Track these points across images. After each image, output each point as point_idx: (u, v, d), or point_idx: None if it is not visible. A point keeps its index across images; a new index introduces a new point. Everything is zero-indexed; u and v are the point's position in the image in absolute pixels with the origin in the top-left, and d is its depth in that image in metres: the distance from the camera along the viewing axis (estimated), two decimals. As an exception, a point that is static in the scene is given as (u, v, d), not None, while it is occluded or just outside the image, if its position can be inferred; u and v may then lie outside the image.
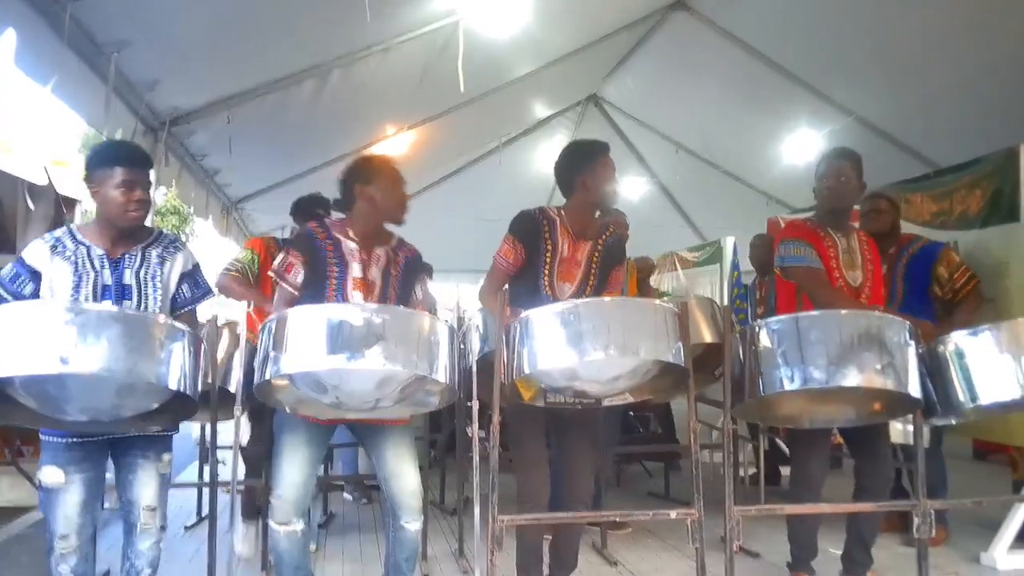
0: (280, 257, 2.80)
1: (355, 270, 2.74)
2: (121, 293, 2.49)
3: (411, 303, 2.84)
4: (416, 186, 8.45)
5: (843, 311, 2.74)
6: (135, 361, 2.18)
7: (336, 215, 2.99)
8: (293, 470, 2.68)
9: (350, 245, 2.77)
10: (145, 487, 2.53)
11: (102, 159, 2.49)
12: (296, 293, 2.74)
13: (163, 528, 2.59)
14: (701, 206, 9.29)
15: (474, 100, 6.25)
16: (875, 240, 3.98)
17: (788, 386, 2.61)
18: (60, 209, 4.90)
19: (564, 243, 2.91)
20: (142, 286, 2.53)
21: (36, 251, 2.46)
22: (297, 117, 5.24)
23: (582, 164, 2.92)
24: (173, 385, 2.26)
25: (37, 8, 2.88)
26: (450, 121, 6.61)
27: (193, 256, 2.70)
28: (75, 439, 2.45)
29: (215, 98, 4.70)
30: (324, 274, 2.72)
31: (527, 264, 2.90)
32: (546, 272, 2.89)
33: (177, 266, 2.63)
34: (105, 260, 2.50)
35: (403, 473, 2.77)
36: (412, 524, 2.79)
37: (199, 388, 2.40)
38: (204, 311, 2.79)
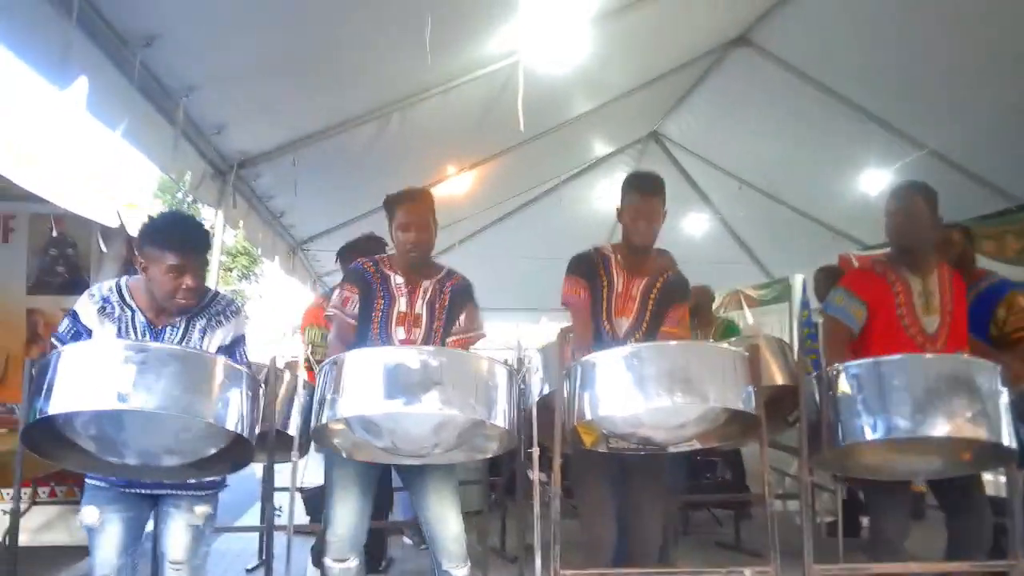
0: (336, 293, 2.83)
1: (401, 304, 2.76)
2: None
3: (452, 332, 2.82)
4: (476, 225, 8.50)
5: (928, 356, 2.56)
6: (192, 400, 2.17)
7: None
8: (346, 507, 2.70)
9: (397, 280, 2.80)
10: (173, 538, 2.45)
11: (154, 239, 2.36)
12: (354, 323, 2.76)
13: None
14: (766, 243, 9.06)
15: (534, 139, 6.24)
16: None
17: (870, 436, 2.44)
18: (132, 250, 5.03)
19: (619, 279, 2.88)
20: None
21: (86, 310, 2.42)
22: (359, 159, 5.31)
23: (622, 197, 2.92)
24: (231, 426, 2.24)
25: (108, 54, 2.95)
26: (510, 160, 6.62)
27: (242, 327, 2.60)
28: (121, 489, 2.43)
29: (281, 141, 4.80)
30: (371, 307, 2.75)
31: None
32: (604, 308, 2.85)
33: (217, 339, 2.52)
34: (147, 329, 2.44)
35: (445, 517, 2.73)
36: (458, 570, 2.73)
37: (256, 431, 2.38)
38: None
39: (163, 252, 2.33)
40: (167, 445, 2.35)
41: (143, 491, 2.47)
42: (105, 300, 2.43)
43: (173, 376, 2.14)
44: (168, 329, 2.48)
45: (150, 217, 2.51)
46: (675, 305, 2.95)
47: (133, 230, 4.56)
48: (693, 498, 5.49)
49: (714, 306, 6.39)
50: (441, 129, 5.47)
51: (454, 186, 6.89)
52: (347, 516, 2.69)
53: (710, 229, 8.68)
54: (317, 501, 3.61)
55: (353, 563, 2.70)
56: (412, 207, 2.78)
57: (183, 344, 2.46)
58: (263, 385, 2.47)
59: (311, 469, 3.78)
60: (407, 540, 5.12)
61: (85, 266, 5.13)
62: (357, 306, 2.76)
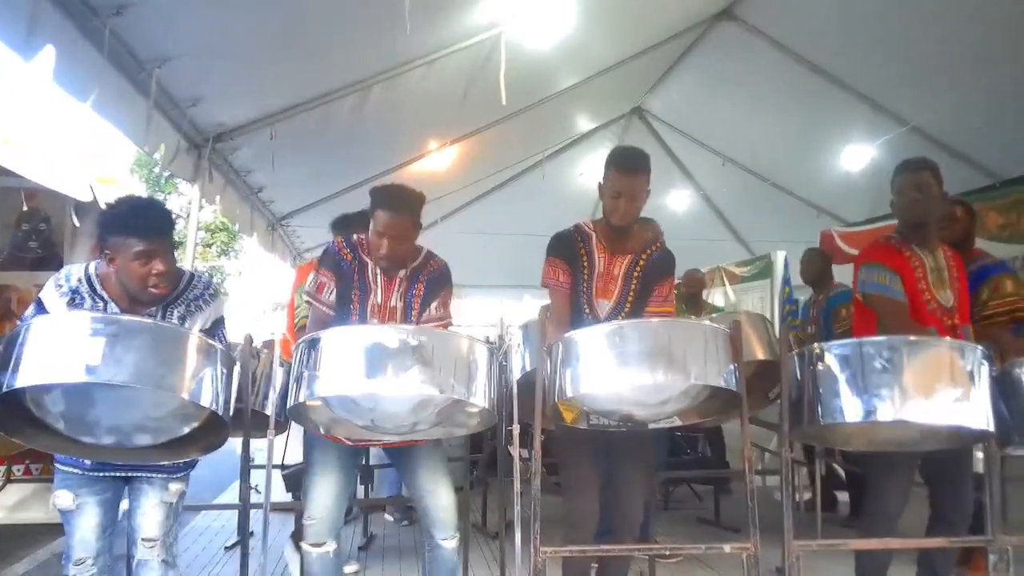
0: (311, 277, 2.76)
1: (377, 296, 2.71)
2: None
3: (426, 318, 2.74)
4: (459, 201, 8.44)
5: (911, 337, 2.55)
6: (164, 374, 2.12)
7: None
8: (324, 492, 2.68)
9: (372, 267, 2.72)
10: (146, 516, 2.40)
11: (116, 227, 2.27)
12: (331, 313, 2.69)
13: (166, 562, 2.41)
14: (749, 219, 9.07)
15: (517, 113, 6.18)
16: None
17: (849, 418, 2.42)
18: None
19: (600, 258, 2.82)
20: None
21: (53, 302, 2.31)
22: (340, 133, 5.23)
23: (604, 173, 2.81)
24: (206, 403, 2.19)
25: (77, 23, 2.87)
26: (493, 135, 6.55)
27: (220, 308, 2.57)
28: (91, 472, 2.38)
29: (258, 114, 4.70)
30: (348, 297, 2.69)
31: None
32: (584, 289, 2.80)
33: (196, 325, 2.46)
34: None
35: (436, 490, 2.74)
36: (448, 541, 2.75)
37: (231, 409, 2.34)
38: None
39: (127, 239, 2.24)
40: (139, 423, 2.29)
41: (116, 473, 2.42)
42: (74, 292, 2.34)
43: (144, 349, 2.07)
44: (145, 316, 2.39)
45: (108, 206, 2.37)
46: (661, 281, 2.87)
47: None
48: (673, 474, 5.52)
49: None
50: (423, 103, 5.38)
51: (436, 161, 6.82)
52: (324, 500, 2.67)
53: (693, 205, 8.67)
54: (297, 479, 3.59)
55: (330, 547, 2.68)
56: (393, 218, 2.61)
57: None
58: (238, 363, 2.42)
59: (294, 447, 3.77)
60: (388, 517, 5.12)
61: (59, 241, 5.03)
62: (333, 293, 2.69)
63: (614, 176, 2.75)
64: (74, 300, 2.33)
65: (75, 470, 2.38)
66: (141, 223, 2.27)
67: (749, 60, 6.05)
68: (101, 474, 2.40)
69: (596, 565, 3.04)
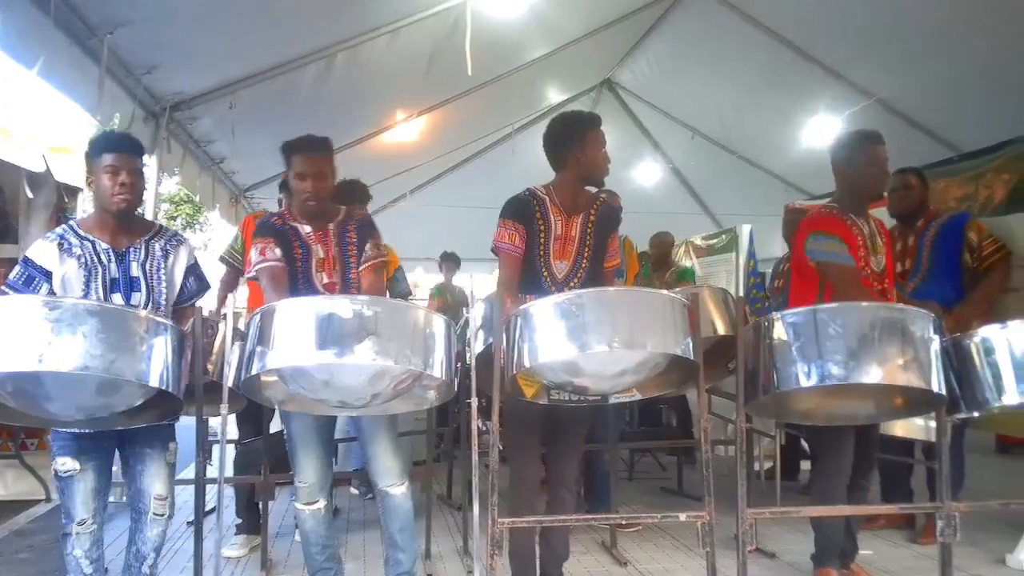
0: (253, 250, 2.82)
1: (318, 252, 2.84)
2: (130, 286, 2.53)
3: (364, 260, 2.89)
4: (428, 174, 8.36)
5: (864, 303, 2.58)
6: (113, 358, 2.10)
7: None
8: (310, 455, 2.81)
9: (305, 228, 2.85)
10: (155, 477, 2.58)
11: (93, 149, 2.54)
12: (283, 264, 2.77)
13: (170, 517, 2.65)
14: (717, 192, 9.10)
15: (486, 85, 6.11)
16: (904, 217, 3.88)
17: (804, 383, 2.46)
18: (62, 198, 4.83)
19: (557, 221, 2.83)
20: (148, 278, 2.57)
21: (43, 251, 2.48)
22: (304, 102, 5.13)
23: (573, 137, 2.84)
24: (155, 382, 2.19)
25: (21, -13, 2.78)
26: (462, 106, 6.48)
27: (193, 251, 2.80)
28: (84, 431, 2.46)
29: (218, 82, 4.60)
30: (291, 257, 2.81)
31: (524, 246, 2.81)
32: (541, 252, 2.80)
33: (181, 260, 2.69)
34: (111, 253, 2.54)
35: (377, 438, 2.85)
36: (395, 488, 2.87)
37: (183, 384, 2.31)
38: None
39: (100, 156, 2.49)
40: (95, 399, 2.28)
41: (108, 431, 2.50)
42: (61, 237, 2.51)
43: (92, 334, 2.06)
44: (131, 249, 2.57)
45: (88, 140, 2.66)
46: (611, 234, 2.93)
47: (61, 175, 4.37)
48: (635, 444, 5.59)
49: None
50: (389, 72, 5.31)
51: (404, 132, 6.74)
52: (313, 463, 2.82)
53: (662, 178, 8.67)
54: (251, 456, 3.57)
55: (321, 504, 2.83)
56: (308, 158, 2.79)
57: (148, 263, 2.57)
58: (189, 336, 2.39)
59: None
60: (354, 490, 5.11)
61: (13, 212, 4.91)
62: (278, 249, 2.78)
63: (594, 132, 2.87)
64: (63, 245, 2.48)
65: (70, 435, 2.46)
66: (112, 142, 2.56)
67: (718, 33, 6.04)
68: (94, 440, 2.48)
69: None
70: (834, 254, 2.95)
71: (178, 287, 2.66)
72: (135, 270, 2.54)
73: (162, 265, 2.61)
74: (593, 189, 2.97)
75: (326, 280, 2.82)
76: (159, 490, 2.59)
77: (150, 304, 2.53)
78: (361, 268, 2.88)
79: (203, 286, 2.79)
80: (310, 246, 2.83)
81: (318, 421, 2.80)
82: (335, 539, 2.96)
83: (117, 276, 2.51)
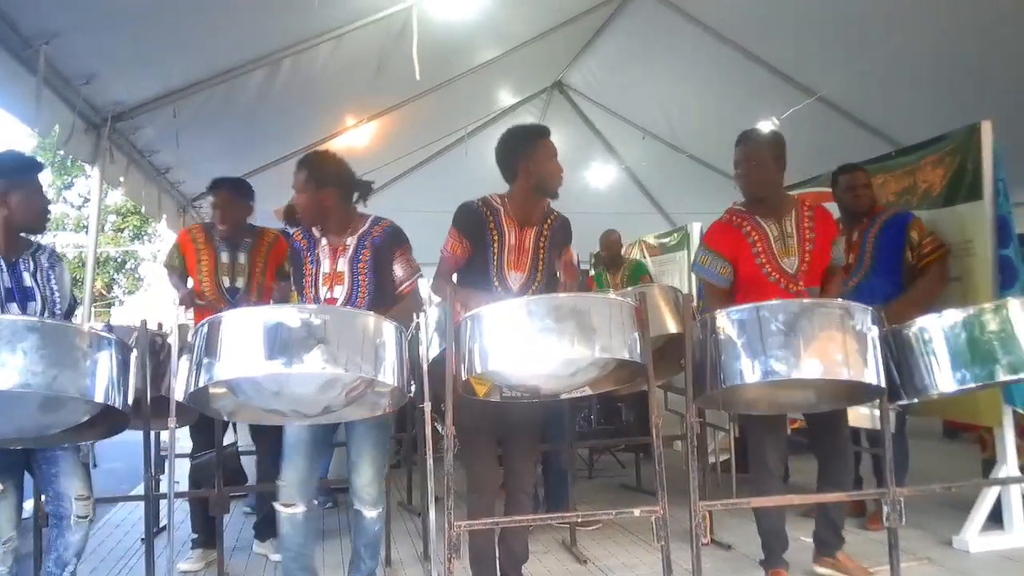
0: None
1: (325, 266, 2.85)
2: (24, 295, 2.51)
3: (389, 283, 2.89)
4: (381, 179, 8.27)
5: (806, 300, 2.65)
6: (55, 374, 2.05)
7: None
8: (296, 454, 2.79)
9: (321, 241, 2.88)
10: (72, 476, 2.54)
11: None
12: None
13: (92, 520, 2.60)
14: (670, 192, 9.21)
15: (436, 89, 6.10)
16: (853, 216, 3.94)
17: (749, 378, 2.52)
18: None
19: (510, 232, 2.84)
20: (42, 289, 2.58)
21: None
22: (250, 109, 5.07)
23: (522, 149, 2.85)
24: (99, 398, 2.15)
25: (-52, -3, 2.70)
26: (412, 111, 6.46)
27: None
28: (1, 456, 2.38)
29: (160, 91, 4.51)
30: (302, 272, 2.88)
31: (476, 255, 2.84)
32: (495, 263, 2.82)
33: (66, 273, 2.75)
34: (3, 263, 2.54)
35: (359, 463, 2.84)
36: (369, 511, 2.88)
37: (130, 399, 2.27)
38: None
39: None
40: (36, 417, 2.23)
41: (20, 449, 2.46)
42: None
43: (32, 350, 2.02)
44: (21, 261, 2.60)
45: None
46: (565, 247, 2.98)
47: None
48: (594, 443, 5.65)
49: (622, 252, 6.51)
50: (336, 78, 5.26)
51: (355, 138, 6.68)
52: (296, 462, 2.79)
53: (615, 179, 8.76)
54: (203, 472, 3.52)
55: (299, 509, 2.78)
56: (296, 176, 2.85)
57: (38, 274, 2.60)
58: (133, 351, 2.35)
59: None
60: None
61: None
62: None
63: (544, 142, 2.89)
64: None
65: None
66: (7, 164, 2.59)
67: (665, 35, 6.12)
68: (6, 456, 2.43)
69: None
70: (704, 269, 3.16)
71: (68, 298, 2.71)
72: (27, 280, 2.56)
73: (51, 276, 2.66)
74: (549, 201, 2.99)
75: (327, 295, 2.83)
76: (79, 490, 2.53)
77: (46, 313, 2.55)
78: (399, 292, 2.92)
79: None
80: (320, 260, 2.87)
81: (314, 425, 2.79)
82: (311, 548, 2.93)
83: (11, 286, 2.52)
